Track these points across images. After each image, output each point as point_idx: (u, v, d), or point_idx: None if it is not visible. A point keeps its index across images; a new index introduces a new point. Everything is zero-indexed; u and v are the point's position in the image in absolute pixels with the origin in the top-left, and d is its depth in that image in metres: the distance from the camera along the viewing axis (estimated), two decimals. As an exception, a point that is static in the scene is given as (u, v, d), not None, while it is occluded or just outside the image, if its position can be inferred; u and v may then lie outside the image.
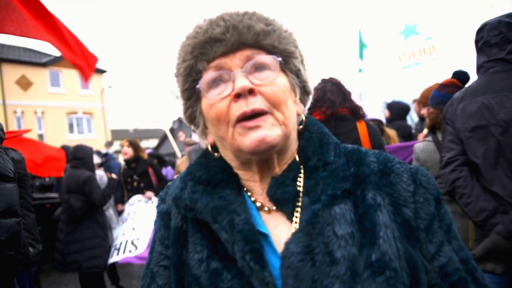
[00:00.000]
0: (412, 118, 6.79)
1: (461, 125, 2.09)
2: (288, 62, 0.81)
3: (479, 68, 2.15)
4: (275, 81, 0.75)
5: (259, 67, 0.76)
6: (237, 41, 0.76)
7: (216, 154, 0.87)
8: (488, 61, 2.07)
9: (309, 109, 2.89)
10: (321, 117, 2.81)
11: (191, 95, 0.83)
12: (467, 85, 2.27)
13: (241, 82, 0.73)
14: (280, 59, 0.78)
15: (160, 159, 8.03)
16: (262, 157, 0.77)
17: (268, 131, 0.72)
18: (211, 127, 0.82)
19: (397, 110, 5.57)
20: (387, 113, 5.57)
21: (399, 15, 6.19)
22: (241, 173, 0.83)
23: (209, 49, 0.77)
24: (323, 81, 3.02)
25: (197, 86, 0.79)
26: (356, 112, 2.92)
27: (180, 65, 0.82)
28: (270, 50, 0.78)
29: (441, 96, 2.66)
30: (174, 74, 0.85)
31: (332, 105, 2.85)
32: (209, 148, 0.88)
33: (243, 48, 0.76)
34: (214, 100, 0.76)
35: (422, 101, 3.48)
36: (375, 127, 3.02)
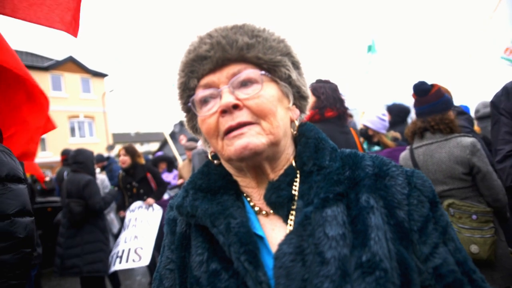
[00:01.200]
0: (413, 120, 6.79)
1: None
2: (276, 71, 0.83)
3: None
4: (260, 93, 0.78)
5: (245, 82, 0.79)
6: (221, 57, 0.80)
7: (216, 161, 0.92)
8: None
9: (320, 108, 2.95)
10: (334, 114, 2.90)
11: (189, 109, 0.89)
12: None
13: (226, 98, 0.77)
14: (263, 72, 0.81)
15: (170, 162, 7.99)
16: (251, 163, 0.80)
17: (251, 138, 0.76)
18: (207, 139, 0.87)
19: (398, 113, 5.55)
20: (389, 116, 5.51)
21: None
22: (240, 180, 0.88)
23: (198, 67, 0.81)
24: (321, 81, 3.08)
25: (189, 104, 0.85)
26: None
27: (178, 81, 0.87)
28: (255, 62, 0.81)
29: (416, 109, 2.77)
30: (176, 87, 0.90)
31: (342, 105, 2.98)
32: (210, 157, 0.93)
33: (228, 64, 0.80)
34: (204, 116, 0.81)
35: None
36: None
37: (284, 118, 0.83)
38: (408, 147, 2.84)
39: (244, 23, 0.82)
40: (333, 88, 3.02)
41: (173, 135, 27.25)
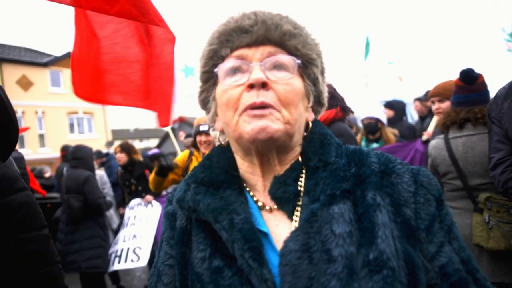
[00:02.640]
0: (412, 117, 6.78)
1: (509, 124, 2.07)
2: (308, 68, 0.83)
3: None
4: (290, 82, 0.78)
5: (278, 66, 0.79)
6: (262, 35, 0.79)
7: (222, 142, 0.91)
8: None
9: (340, 106, 3.03)
10: (340, 115, 2.99)
11: (209, 79, 0.87)
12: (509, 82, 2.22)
13: (257, 74, 0.75)
14: (299, 61, 0.80)
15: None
16: (260, 147, 0.78)
17: (271, 123, 0.74)
18: (220, 113, 0.84)
19: (399, 110, 5.54)
20: (391, 112, 5.47)
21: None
22: (246, 166, 0.85)
23: (235, 37, 0.80)
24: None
25: (215, 70, 0.82)
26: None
27: (205, 48, 0.85)
28: (293, 52, 0.81)
29: (458, 98, 2.64)
30: (199, 57, 0.88)
31: (344, 104, 3.06)
32: (218, 135, 0.91)
33: (267, 44, 0.79)
34: (228, 86, 0.79)
35: (439, 95, 3.22)
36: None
37: (302, 115, 0.82)
38: (441, 136, 2.75)
39: (288, 15, 0.82)
40: (334, 88, 3.08)
41: (172, 131, 27.12)
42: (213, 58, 0.84)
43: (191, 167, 3.63)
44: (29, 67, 25.25)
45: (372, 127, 4.27)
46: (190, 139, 7.07)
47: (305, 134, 0.87)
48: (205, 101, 0.91)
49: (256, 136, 0.74)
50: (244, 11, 0.82)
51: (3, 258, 1.12)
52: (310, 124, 0.88)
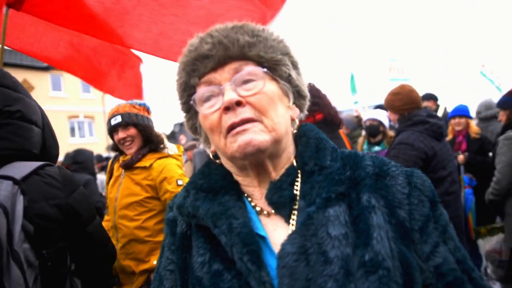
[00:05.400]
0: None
1: None
2: (277, 70, 0.84)
3: None
4: (263, 90, 0.79)
5: (246, 79, 0.80)
6: (223, 56, 0.80)
7: (217, 161, 0.91)
8: None
9: (308, 110, 2.89)
10: (322, 117, 2.80)
11: (189, 108, 0.89)
12: None
13: (229, 95, 0.76)
14: (264, 69, 0.81)
15: None
16: (254, 161, 0.80)
17: (255, 135, 0.76)
18: (209, 137, 0.87)
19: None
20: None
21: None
22: (241, 179, 0.87)
23: (199, 65, 0.82)
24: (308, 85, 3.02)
25: (191, 102, 0.85)
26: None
27: (177, 81, 0.88)
28: (257, 60, 0.81)
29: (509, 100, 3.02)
30: (175, 90, 0.91)
31: (329, 109, 2.88)
32: (211, 156, 0.92)
33: (230, 62, 0.80)
34: (207, 113, 0.81)
35: (384, 104, 3.47)
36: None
37: (284, 116, 0.83)
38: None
39: (243, 23, 0.83)
40: (322, 94, 2.95)
41: (173, 135, 27.25)
42: (186, 89, 0.86)
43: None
44: (30, 71, 25.32)
45: (375, 129, 4.24)
46: (191, 143, 7.10)
47: (295, 132, 0.89)
48: (193, 128, 0.94)
49: (244, 151, 0.75)
50: (200, 35, 0.84)
51: (78, 243, 1.40)
52: (297, 121, 0.89)
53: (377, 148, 4.26)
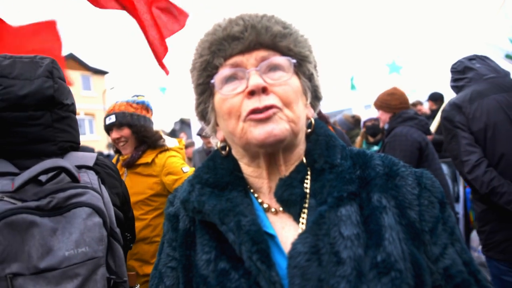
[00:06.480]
0: None
1: (477, 126, 2.21)
2: (302, 66, 0.83)
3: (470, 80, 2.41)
4: (288, 82, 0.78)
5: (273, 68, 0.78)
6: (254, 41, 0.78)
7: (223, 152, 0.88)
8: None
9: None
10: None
11: (205, 90, 0.86)
12: (461, 94, 2.41)
13: (255, 80, 0.75)
14: (294, 61, 0.80)
15: None
16: (270, 150, 0.78)
17: (277, 125, 0.74)
18: (222, 123, 0.84)
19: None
20: None
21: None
22: (251, 171, 0.85)
23: (226, 46, 0.79)
24: None
25: (212, 81, 0.82)
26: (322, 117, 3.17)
27: (197, 60, 0.84)
28: (286, 52, 0.80)
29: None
30: (190, 69, 0.88)
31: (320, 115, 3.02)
32: (218, 144, 0.89)
33: (259, 48, 0.79)
34: (227, 95, 0.78)
35: (377, 104, 3.63)
36: (340, 130, 3.32)
37: (302, 112, 0.82)
38: None
39: (273, 14, 0.82)
40: None
41: (173, 133, 27.20)
42: (207, 69, 0.82)
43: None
44: (31, 68, 25.23)
45: (376, 129, 4.29)
46: (190, 141, 7.11)
47: (308, 130, 0.87)
48: (203, 113, 0.90)
49: (264, 141, 0.74)
50: (229, 17, 0.81)
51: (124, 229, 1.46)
52: (313, 121, 0.88)
53: (376, 148, 4.28)
